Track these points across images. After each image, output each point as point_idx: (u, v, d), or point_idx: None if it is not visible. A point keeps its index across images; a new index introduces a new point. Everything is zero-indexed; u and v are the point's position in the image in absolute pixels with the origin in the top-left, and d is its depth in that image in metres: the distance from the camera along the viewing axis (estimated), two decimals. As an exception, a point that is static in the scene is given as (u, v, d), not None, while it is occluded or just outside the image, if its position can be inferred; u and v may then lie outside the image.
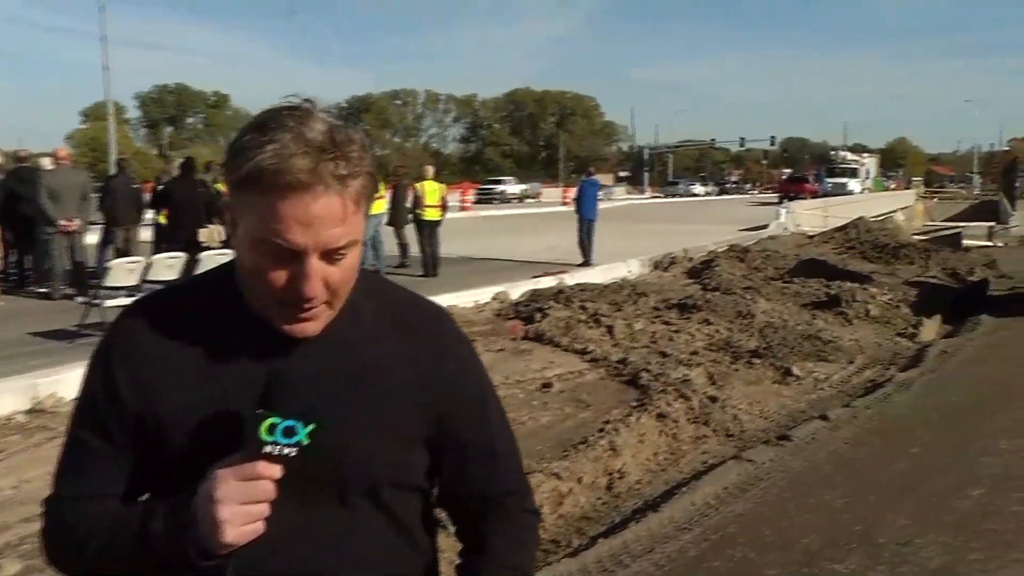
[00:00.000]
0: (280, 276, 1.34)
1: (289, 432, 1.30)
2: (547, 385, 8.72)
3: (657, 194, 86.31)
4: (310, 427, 1.31)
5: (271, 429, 1.30)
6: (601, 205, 19.17)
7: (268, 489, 1.31)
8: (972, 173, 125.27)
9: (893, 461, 6.63)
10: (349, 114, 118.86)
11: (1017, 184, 46.09)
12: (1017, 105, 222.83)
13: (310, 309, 1.37)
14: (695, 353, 10.18)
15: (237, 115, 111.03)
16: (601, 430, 7.01)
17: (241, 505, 1.29)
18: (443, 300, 12.45)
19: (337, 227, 1.32)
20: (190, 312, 1.47)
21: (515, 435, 1.65)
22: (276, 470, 1.31)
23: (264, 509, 1.32)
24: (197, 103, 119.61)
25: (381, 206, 17.14)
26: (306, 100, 1.39)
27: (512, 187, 67.13)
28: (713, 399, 8.11)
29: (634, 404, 7.83)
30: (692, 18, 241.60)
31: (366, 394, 1.44)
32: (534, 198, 65.02)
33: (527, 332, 11.22)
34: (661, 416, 7.35)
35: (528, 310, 12.43)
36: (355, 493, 1.44)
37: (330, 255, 1.34)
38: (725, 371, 9.39)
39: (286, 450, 1.30)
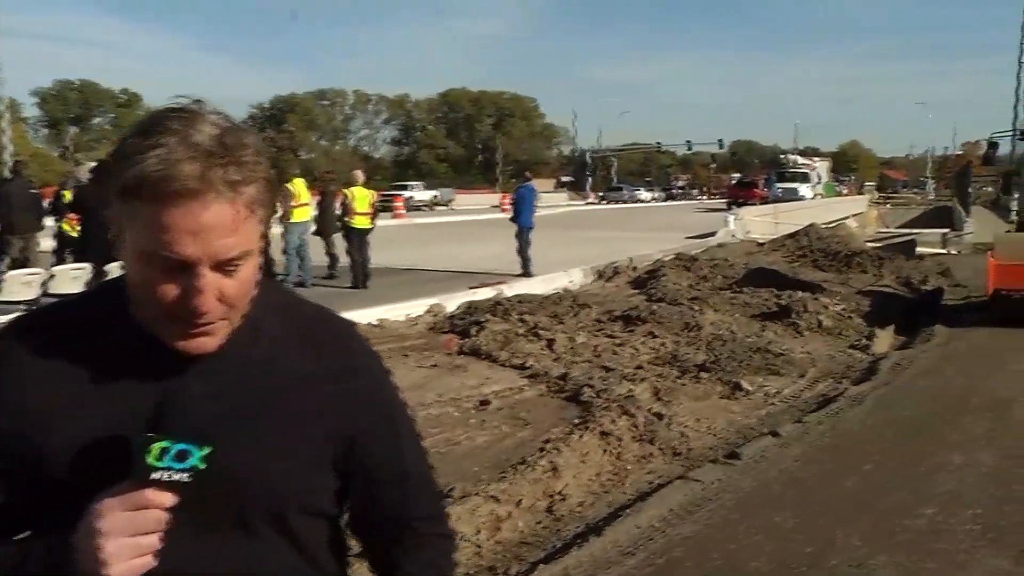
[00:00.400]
0: (170, 290, 1.31)
1: (182, 456, 1.27)
2: (484, 403, 8.71)
3: (592, 201, 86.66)
4: (205, 450, 1.28)
5: (161, 454, 1.27)
6: (541, 212, 19.24)
7: (158, 519, 1.28)
8: (926, 178, 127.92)
9: (845, 479, 6.73)
10: (272, 115, 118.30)
11: (971, 189, 47.09)
12: (970, 108, 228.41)
13: (204, 324, 1.34)
14: (640, 367, 10.24)
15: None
16: (541, 450, 7.01)
17: (128, 537, 1.26)
18: (374, 313, 12.53)
19: (229, 237, 1.29)
20: (75, 329, 1.43)
21: (430, 455, 1.65)
22: (167, 498, 1.28)
23: (154, 541, 1.28)
24: (105, 101, 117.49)
25: (307, 213, 17.06)
26: (195, 101, 1.35)
27: (420, 193, 65.29)
28: (659, 416, 8.16)
29: (576, 422, 7.85)
30: (637, 16, 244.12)
31: (269, 414, 1.42)
32: (445, 205, 63.57)
33: (463, 347, 11.20)
34: (604, 434, 7.38)
35: (464, 323, 12.41)
36: (258, 520, 1.41)
37: (224, 267, 1.31)
38: (671, 386, 9.45)
39: (178, 476, 1.27)
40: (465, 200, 67.96)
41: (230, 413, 1.39)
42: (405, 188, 64.43)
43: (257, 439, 1.40)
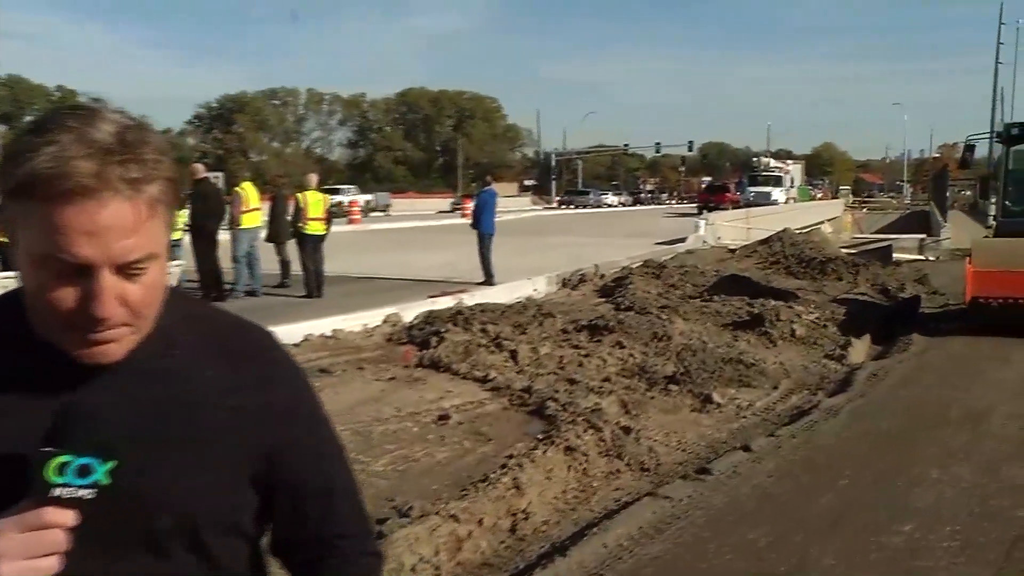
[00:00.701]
0: (68, 296, 1.28)
1: (84, 471, 1.24)
2: (444, 417, 8.69)
3: (551, 205, 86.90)
4: (109, 465, 1.25)
5: (61, 469, 1.23)
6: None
7: (58, 540, 1.24)
8: (902, 181, 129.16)
9: (820, 495, 6.77)
10: (220, 115, 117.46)
11: (948, 193, 47.66)
12: (948, 109, 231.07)
13: (106, 331, 1.31)
14: (607, 380, 10.26)
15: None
16: (504, 466, 7.00)
17: (24, 560, 1.22)
18: (328, 323, 12.48)
19: (129, 238, 1.27)
20: None
21: (354, 471, 1.65)
22: (69, 516, 1.24)
23: (53, 563, 1.25)
24: (37, 98, 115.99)
25: (257, 219, 16.98)
26: (95, 99, 1.35)
27: (351, 198, 62.51)
28: (627, 430, 8.17)
29: (540, 437, 7.84)
30: (602, 13, 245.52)
31: (182, 428, 1.40)
32: (382, 211, 62.20)
33: (421, 358, 11.17)
34: (570, 449, 7.38)
35: (423, 334, 12.38)
36: (171, 539, 1.39)
37: (125, 270, 1.29)
38: (640, 399, 9.48)
39: (80, 492, 1.24)
40: (410, 205, 66.64)
41: (139, 426, 1.36)
42: (335, 192, 60.42)
43: (168, 453, 1.38)
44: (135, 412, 1.37)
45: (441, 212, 63.44)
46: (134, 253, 1.28)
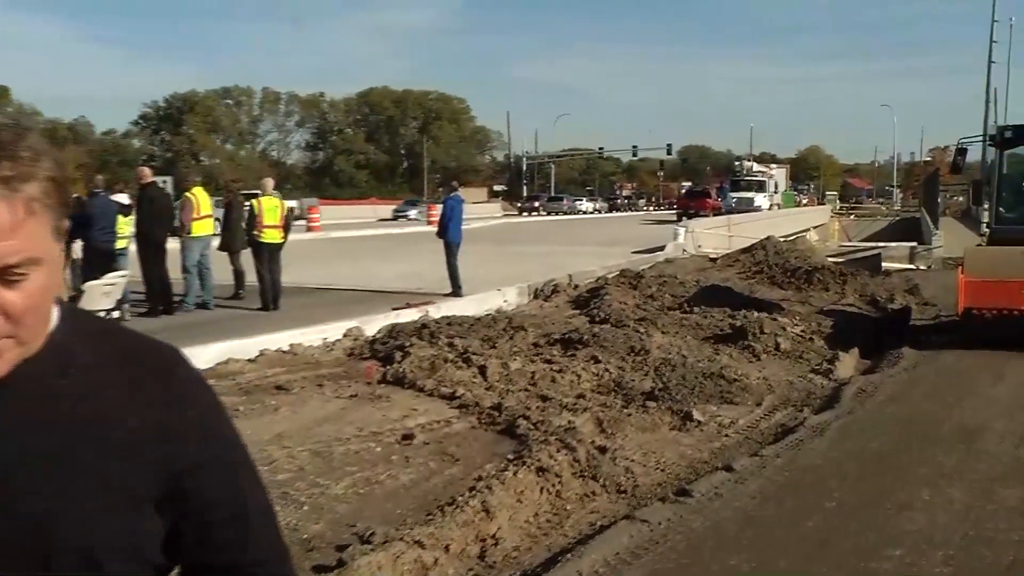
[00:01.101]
0: None
1: None
2: (408, 437, 8.67)
3: (511, 211, 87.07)
4: None
5: None
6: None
7: None
8: (892, 186, 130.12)
9: (806, 518, 6.79)
10: (168, 115, 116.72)
11: (939, 199, 48.00)
12: (939, 110, 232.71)
13: None
14: (581, 396, 10.27)
15: (21, 111, 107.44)
16: (472, 488, 6.99)
17: None
18: (285, 337, 12.45)
19: (4, 240, 1.26)
20: None
21: (270, 495, 1.63)
22: None
23: None
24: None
25: (209, 227, 16.87)
26: None
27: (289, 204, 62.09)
28: (602, 449, 8.17)
29: (511, 457, 7.84)
30: (576, 9, 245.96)
31: (78, 450, 1.38)
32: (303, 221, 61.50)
33: (385, 374, 11.14)
34: (542, 470, 7.38)
35: (386, 348, 12.36)
36: (68, 569, 1.36)
37: (2, 275, 1.27)
38: (616, 417, 9.48)
39: None
40: (345, 212, 64.98)
41: (29, 448, 1.35)
42: (250, 197, 59.91)
43: (64, 477, 1.36)
44: (25, 434, 1.35)
45: (382, 220, 62.96)
46: (11, 257, 1.27)
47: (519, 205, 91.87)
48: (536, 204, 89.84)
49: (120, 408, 1.42)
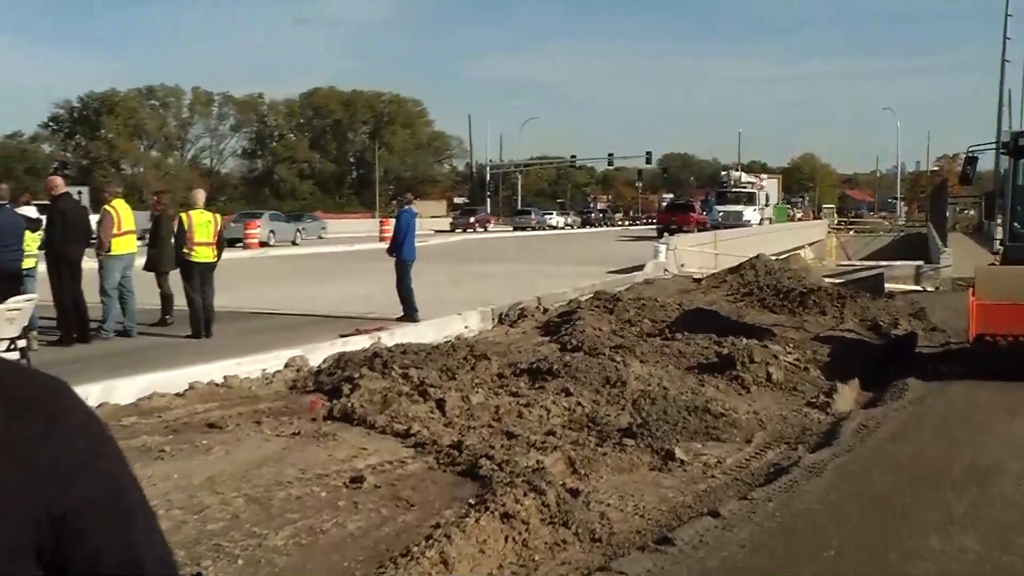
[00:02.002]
0: None
1: None
2: (357, 480, 8.64)
3: (444, 229, 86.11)
4: None
5: None
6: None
7: None
8: (895, 199, 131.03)
9: (801, 568, 6.81)
10: (84, 116, 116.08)
11: (948, 213, 48.42)
12: (946, 114, 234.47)
13: None
14: (551, 433, 10.27)
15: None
16: (429, 537, 6.97)
17: None
18: (218, 369, 12.40)
19: None
20: None
21: (168, 542, 1.60)
22: None
23: None
24: None
25: (131, 244, 16.74)
26: None
27: None
28: (574, 493, 8.18)
29: (472, 502, 7.82)
30: (544, 1, 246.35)
31: None
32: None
33: (331, 410, 11.11)
34: (507, 517, 7.37)
35: (333, 380, 12.33)
36: None
37: None
38: (590, 456, 9.48)
39: None
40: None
41: None
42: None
43: None
44: None
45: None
46: None
47: (450, 221, 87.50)
48: (473, 219, 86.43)
49: None
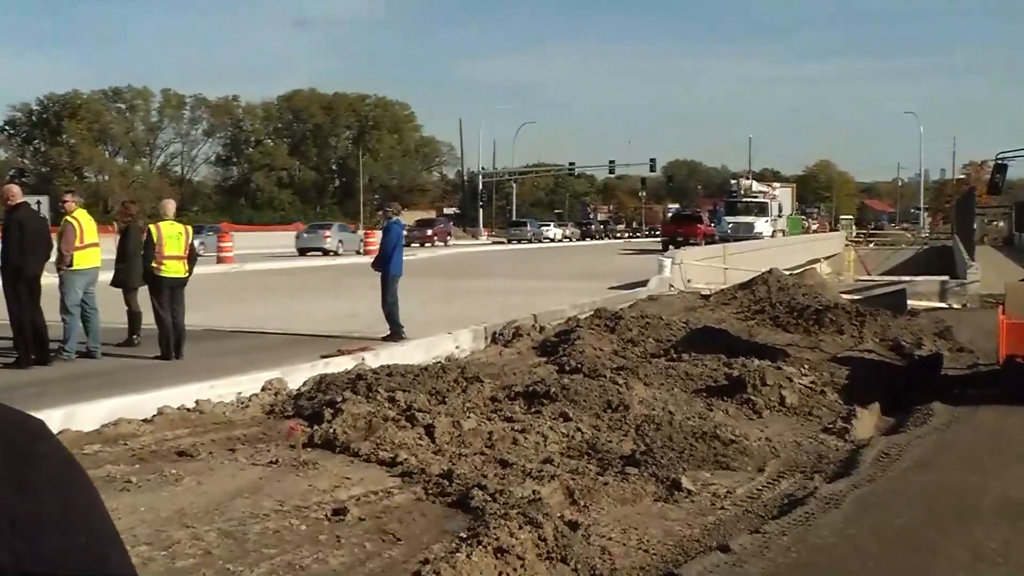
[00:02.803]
0: None
1: None
2: (340, 512, 8.63)
3: (462, 237, 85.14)
4: None
5: None
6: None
7: None
8: (919, 209, 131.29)
9: (818, 606, 6.81)
10: (44, 120, 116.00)
11: (976, 224, 48.47)
12: (973, 118, 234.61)
13: None
14: (548, 461, 10.26)
15: None
16: (417, 574, 6.97)
17: None
18: (189, 392, 12.40)
19: None
20: None
21: None
22: None
23: None
24: None
25: (96, 258, 16.67)
26: None
27: None
28: (573, 526, 8.17)
29: (463, 535, 7.81)
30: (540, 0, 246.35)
31: None
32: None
33: (311, 436, 11.10)
34: (501, 552, 7.36)
35: (313, 405, 12.31)
36: None
37: None
38: (590, 486, 9.47)
39: None
40: (258, 240, 64.47)
41: None
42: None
43: None
44: None
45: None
46: None
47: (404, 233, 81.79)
48: (431, 231, 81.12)
49: None
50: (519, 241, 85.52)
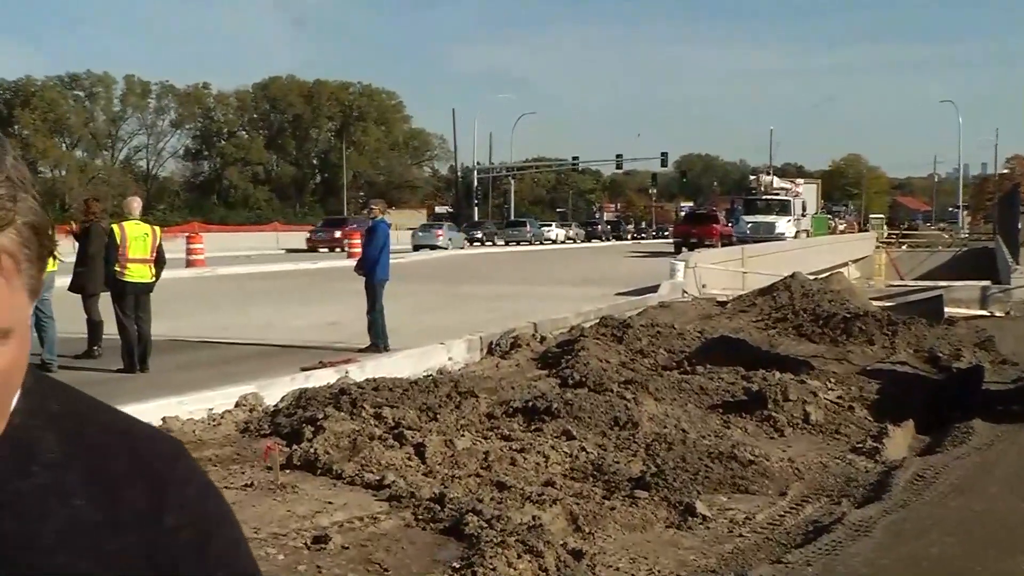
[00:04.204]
0: None
1: None
2: (321, 539, 8.64)
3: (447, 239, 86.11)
4: None
5: None
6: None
7: None
8: (957, 207, 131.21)
9: (846, 643, 6.82)
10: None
11: (1020, 224, 48.33)
12: (1017, 106, 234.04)
13: None
14: (550, 484, 10.27)
15: None
16: (405, 608, 6.99)
17: None
18: (156, 408, 12.42)
19: None
20: None
21: None
22: None
23: None
24: None
25: (50, 262, 16.64)
26: None
27: None
28: (577, 554, 8.19)
29: (456, 565, 7.84)
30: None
31: None
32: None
33: (290, 457, 11.12)
34: (498, 584, 7.38)
35: (292, 422, 12.32)
36: None
37: None
38: (595, 510, 9.49)
39: None
40: (232, 242, 64.24)
41: None
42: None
43: None
44: None
45: (291, 252, 62.91)
46: None
47: (307, 236, 75.38)
48: (339, 234, 67.74)
49: (86, 526, 1.37)
50: (517, 243, 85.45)
